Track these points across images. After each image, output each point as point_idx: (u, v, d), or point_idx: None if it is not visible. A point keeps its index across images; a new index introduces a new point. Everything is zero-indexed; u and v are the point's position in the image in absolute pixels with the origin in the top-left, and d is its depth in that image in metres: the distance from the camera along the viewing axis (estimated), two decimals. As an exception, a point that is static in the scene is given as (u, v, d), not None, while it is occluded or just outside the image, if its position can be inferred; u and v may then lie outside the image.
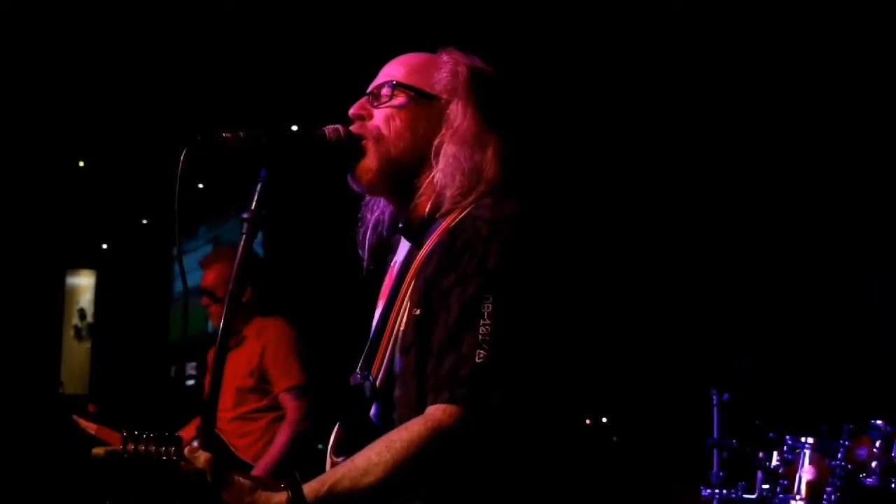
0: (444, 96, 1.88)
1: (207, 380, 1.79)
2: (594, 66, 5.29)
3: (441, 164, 1.83)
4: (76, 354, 10.21)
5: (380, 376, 1.78)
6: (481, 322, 1.66)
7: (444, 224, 1.80)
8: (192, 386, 8.58)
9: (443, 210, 1.82)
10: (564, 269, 1.80)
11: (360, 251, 2.01)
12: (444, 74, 1.89)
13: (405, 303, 1.78)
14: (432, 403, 1.65)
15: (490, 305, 1.67)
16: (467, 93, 1.87)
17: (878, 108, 4.76)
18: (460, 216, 1.79)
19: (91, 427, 4.61)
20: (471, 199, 1.80)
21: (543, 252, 1.77)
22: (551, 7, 5.00)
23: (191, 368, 8.57)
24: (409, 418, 1.70)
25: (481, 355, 1.64)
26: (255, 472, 3.85)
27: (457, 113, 1.85)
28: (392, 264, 1.96)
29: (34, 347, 8.82)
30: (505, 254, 1.71)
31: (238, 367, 4.21)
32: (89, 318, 10.35)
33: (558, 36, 5.10)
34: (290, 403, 4.02)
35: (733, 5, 4.77)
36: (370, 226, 2.00)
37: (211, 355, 4.31)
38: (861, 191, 4.88)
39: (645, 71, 5.27)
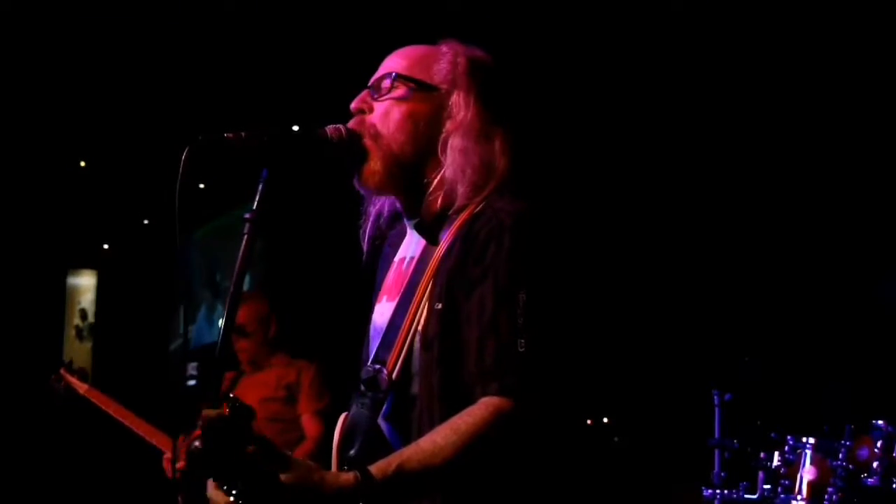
0: (444, 87, 1.87)
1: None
2: (597, 61, 5.27)
3: (449, 158, 1.82)
4: (77, 354, 10.18)
5: (396, 370, 1.77)
6: (518, 312, 1.67)
7: (460, 219, 1.80)
8: (192, 386, 8.56)
9: (456, 206, 1.82)
10: (578, 265, 1.82)
11: (362, 244, 2.01)
12: (444, 65, 1.88)
13: (424, 298, 1.78)
14: (482, 394, 1.66)
15: (524, 295, 1.68)
16: (468, 83, 1.86)
17: (879, 108, 4.75)
18: (477, 210, 1.79)
19: (81, 386, 4.60)
20: (484, 193, 1.80)
21: (563, 247, 1.78)
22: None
23: (192, 369, 8.56)
24: (431, 411, 1.71)
25: (523, 344, 1.66)
26: None
27: (459, 104, 1.85)
28: (400, 260, 1.95)
29: (35, 347, 8.81)
30: (533, 245, 1.73)
31: (267, 380, 4.45)
32: (90, 319, 10.33)
33: (560, 25, 5.07)
34: (313, 423, 4.37)
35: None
36: (371, 218, 2.00)
37: (229, 376, 4.46)
38: (866, 193, 4.87)
39: (646, 68, 5.26)
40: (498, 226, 1.73)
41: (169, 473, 4.24)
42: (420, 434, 1.67)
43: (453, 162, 1.82)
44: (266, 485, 1.51)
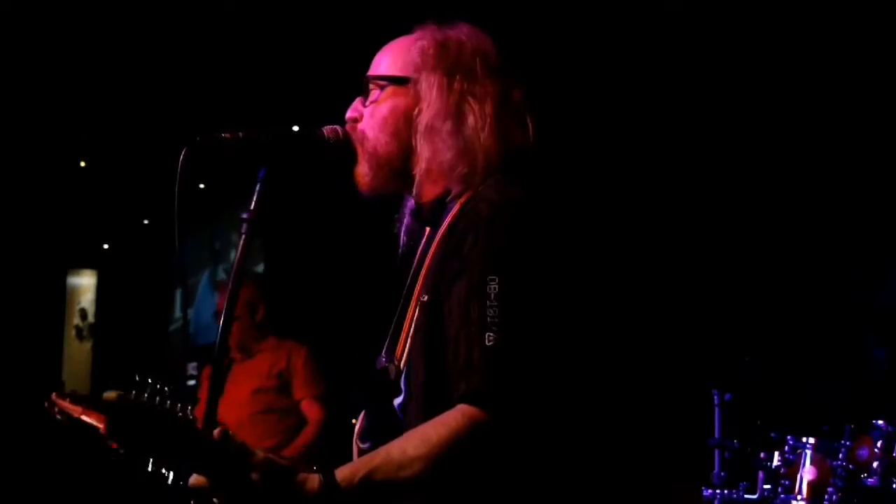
0: (416, 75, 1.82)
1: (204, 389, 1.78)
2: (599, 42, 5.24)
3: (424, 145, 1.78)
4: (77, 354, 10.22)
5: (403, 360, 1.76)
6: (488, 304, 1.61)
7: (456, 207, 1.77)
8: (192, 386, 8.58)
9: (454, 193, 1.79)
10: (574, 255, 1.77)
11: (399, 241, 1.99)
12: (414, 53, 1.84)
13: (420, 288, 1.77)
14: (458, 397, 1.61)
15: (496, 286, 1.61)
16: (434, 65, 1.81)
17: (879, 109, 4.75)
18: (469, 196, 1.75)
19: (75, 410, 4.52)
20: (478, 178, 1.76)
21: (549, 235, 1.72)
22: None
23: (191, 368, 8.58)
24: (418, 403, 1.69)
25: (490, 338, 1.59)
26: None
27: (425, 88, 1.80)
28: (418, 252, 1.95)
29: (35, 347, 8.82)
30: (508, 234, 1.66)
31: (259, 369, 4.39)
32: (90, 318, 10.35)
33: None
34: (315, 407, 4.33)
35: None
36: (406, 214, 1.98)
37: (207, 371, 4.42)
38: (866, 194, 4.86)
39: (648, 62, 5.25)
40: (475, 217, 1.68)
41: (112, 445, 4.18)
42: (410, 427, 1.66)
43: (427, 147, 1.78)
44: (236, 482, 1.52)
